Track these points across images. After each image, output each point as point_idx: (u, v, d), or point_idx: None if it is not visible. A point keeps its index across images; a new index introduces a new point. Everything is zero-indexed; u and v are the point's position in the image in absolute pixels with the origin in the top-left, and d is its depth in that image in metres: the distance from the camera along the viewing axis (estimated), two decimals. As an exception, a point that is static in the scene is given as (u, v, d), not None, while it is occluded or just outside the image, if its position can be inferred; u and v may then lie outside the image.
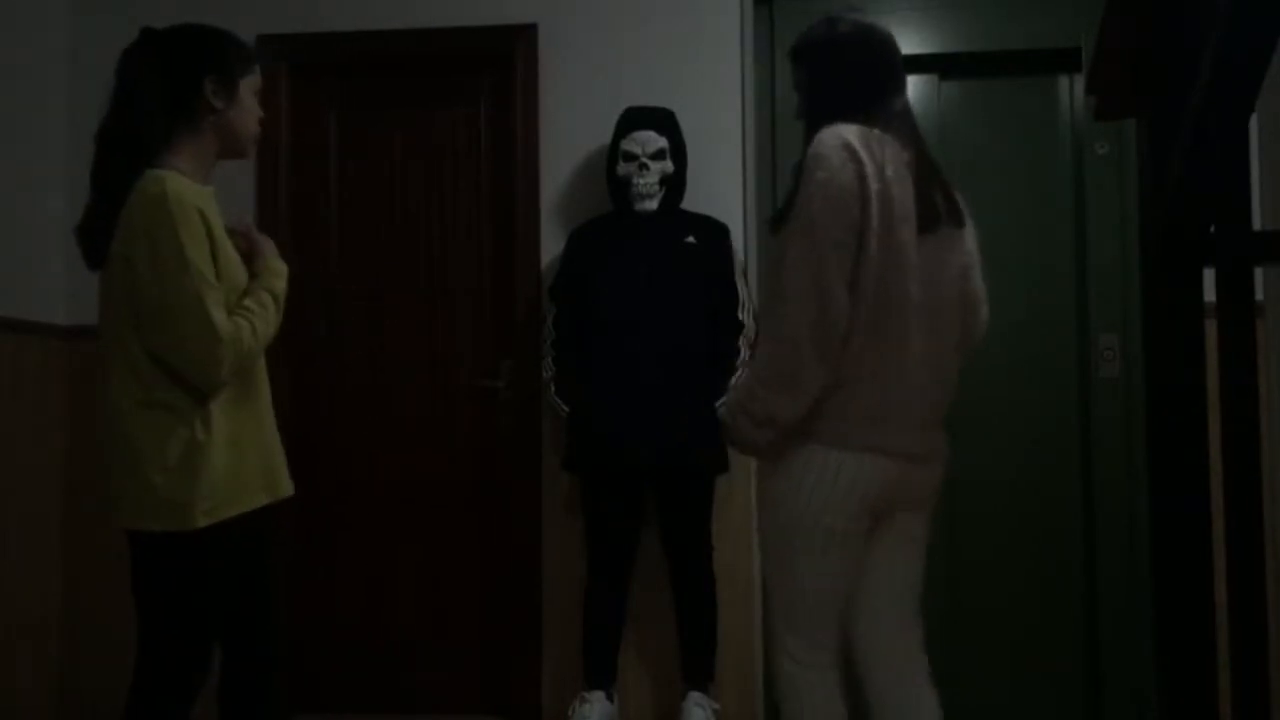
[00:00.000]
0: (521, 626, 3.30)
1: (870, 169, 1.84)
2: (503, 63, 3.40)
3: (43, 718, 3.30)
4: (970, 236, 2.05)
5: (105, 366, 1.96)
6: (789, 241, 1.86)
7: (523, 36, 3.37)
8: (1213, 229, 1.14)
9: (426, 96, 3.48)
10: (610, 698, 3.05)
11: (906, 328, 1.88)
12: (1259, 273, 2.62)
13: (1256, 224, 2.67)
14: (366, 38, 3.43)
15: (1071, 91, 3.39)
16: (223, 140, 2.03)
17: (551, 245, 3.31)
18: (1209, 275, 1.15)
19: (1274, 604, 2.47)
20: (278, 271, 2.06)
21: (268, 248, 2.08)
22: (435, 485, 3.41)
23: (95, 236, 1.94)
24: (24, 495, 3.23)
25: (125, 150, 1.93)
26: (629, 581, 3.12)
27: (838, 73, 2.03)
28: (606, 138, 3.16)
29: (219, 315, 1.87)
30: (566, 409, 3.07)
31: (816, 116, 2.00)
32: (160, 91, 1.96)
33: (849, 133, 1.88)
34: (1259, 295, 2.67)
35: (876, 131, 1.91)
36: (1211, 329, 1.11)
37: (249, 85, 2.05)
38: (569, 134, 3.34)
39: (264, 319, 1.97)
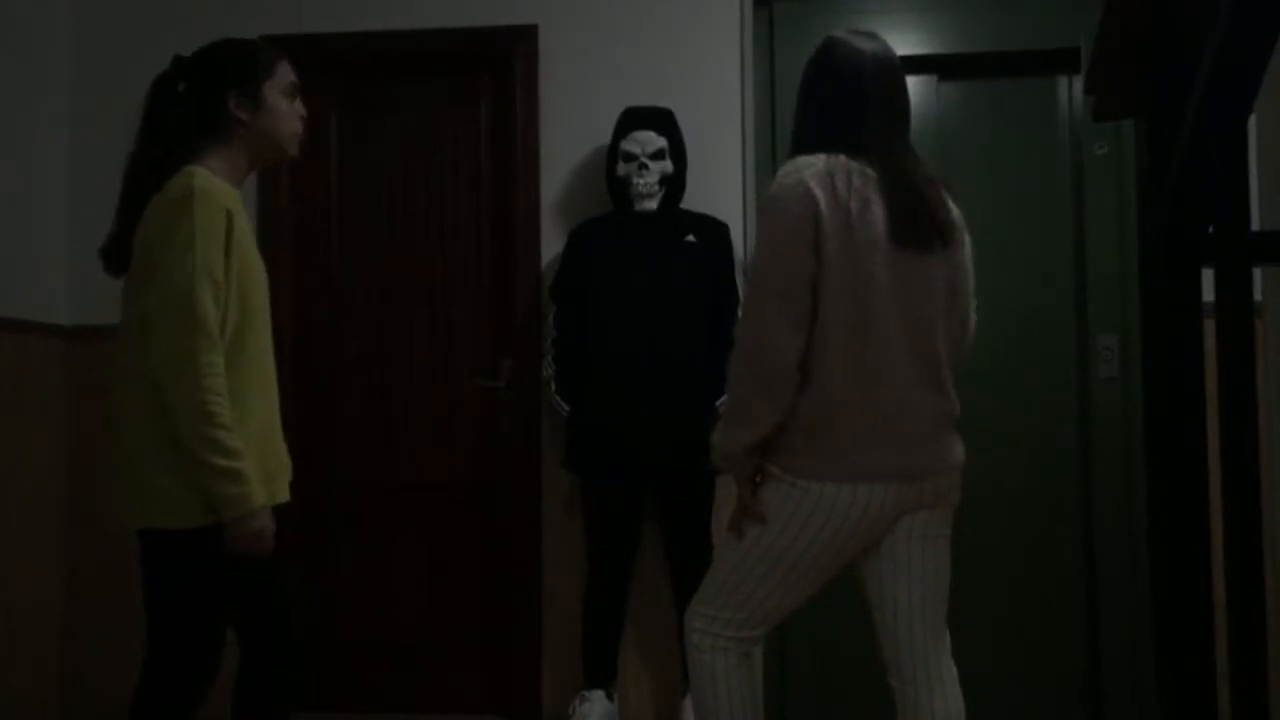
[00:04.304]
0: (521, 626, 3.30)
1: (825, 204, 1.83)
2: (503, 63, 3.40)
3: (45, 718, 3.30)
4: (963, 249, 2.00)
5: (117, 365, 1.97)
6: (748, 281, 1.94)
7: (523, 37, 3.37)
8: (1212, 229, 1.14)
9: (427, 97, 3.48)
10: (610, 697, 3.05)
11: (886, 349, 1.87)
12: (1258, 273, 2.62)
13: (1256, 224, 2.68)
14: (366, 38, 3.43)
15: (1070, 92, 3.39)
16: (259, 147, 2.04)
17: (551, 245, 3.32)
18: (1208, 275, 1.15)
19: (1273, 604, 2.47)
20: (226, 495, 1.87)
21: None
22: (435, 485, 3.41)
23: (115, 257, 2.00)
24: (25, 495, 3.23)
25: (152, 179, 1.96)
26: (629, 581, 3.12)
27: (809, 100, 2.02)
28: (606, 138, 3.17)
29: (207, 305, 1.85)
30: (567, 408, 3.08)
31: (794, 146, 2.01)
32: (186, 116, 1.99)
33: (807, 167, 1.87)
34: (1258, 295, 2.67)
35: (842, 159, 1.88)
36: (1211, 329, 1.11)
37: (274, 87, 2.04)
38: (569, 134, 3.35)
39: (200, 414, 1.82)
